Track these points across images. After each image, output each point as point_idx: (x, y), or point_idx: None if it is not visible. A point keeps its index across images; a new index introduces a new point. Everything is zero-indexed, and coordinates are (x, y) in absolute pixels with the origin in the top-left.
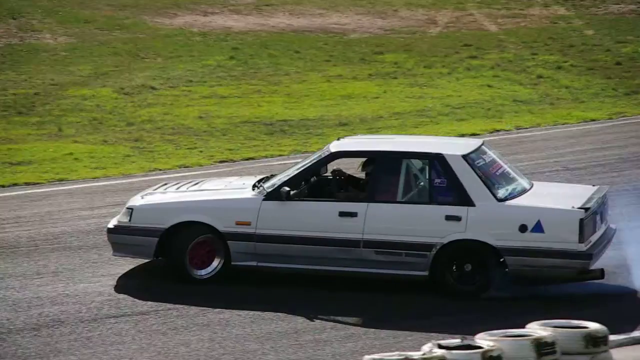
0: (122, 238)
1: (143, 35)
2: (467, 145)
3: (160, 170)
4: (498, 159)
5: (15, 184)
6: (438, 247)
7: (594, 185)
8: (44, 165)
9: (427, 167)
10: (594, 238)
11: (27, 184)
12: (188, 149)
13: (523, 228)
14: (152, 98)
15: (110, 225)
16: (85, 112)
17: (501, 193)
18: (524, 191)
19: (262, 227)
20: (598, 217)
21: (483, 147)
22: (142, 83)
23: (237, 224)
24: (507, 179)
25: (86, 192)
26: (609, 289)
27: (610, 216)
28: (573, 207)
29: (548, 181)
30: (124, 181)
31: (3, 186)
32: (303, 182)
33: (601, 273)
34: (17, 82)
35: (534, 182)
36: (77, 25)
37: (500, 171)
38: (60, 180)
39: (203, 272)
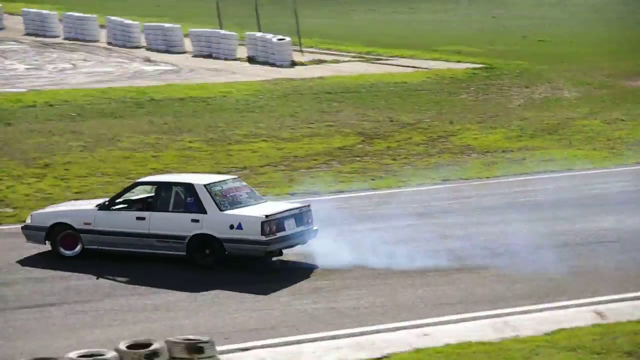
0: (27, 232)
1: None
2: (213, 178)
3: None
4: (236, 188)
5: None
6: (188, 237)
7: (298, 202)
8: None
9: (184, 191)
10: (279, 234)
11: None
12: None
13: (231, 227)
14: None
15: (22, 224)
16: (583, 133)
17: (223, 207)
18: (244, 206)
19: (96, 226)
20: (289, 222)
21: (229, 180)
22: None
23: (85, 224)
24: (234, 199)
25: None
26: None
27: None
28: (260, 215)
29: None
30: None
31: None
32: (117, 200)
33: (279, 252)
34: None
35: (267, 201)
36: (582, 84)
37: (231, 194)
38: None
39: (70, 252)
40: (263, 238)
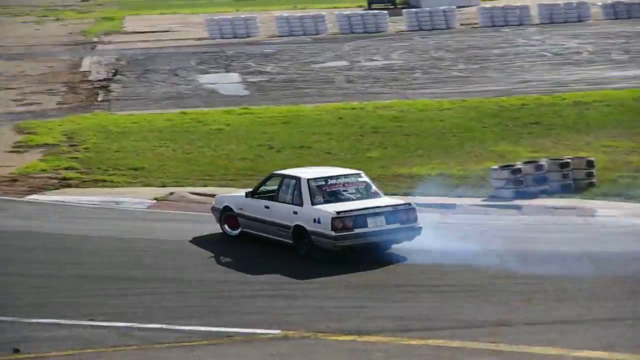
0: (213, 212)
1: None
2: (324, 172)
3: None
4: (347, 184)
5: None
6: (291, 228)
7: (401, 200)
8: None
9: (294, 184)
10: (357, 230)
11: None
12: None
13: (314, 220)
14: None
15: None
16: None
17: (316, 201)
18: (341, 201)
19: (245, 211)
20: (374, 219)
21: (342, 176)
22: None
23: (239, 209)
24: (336, 195)
25: None
26: None
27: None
28: (333, 211)
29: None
30: None
31: None
32: (259, 189)
33: (350, 249)
34: None
35: (379, 198)
36: None
37: (335, 189)
38: None
39: (234, 232)
40: (333, 233)
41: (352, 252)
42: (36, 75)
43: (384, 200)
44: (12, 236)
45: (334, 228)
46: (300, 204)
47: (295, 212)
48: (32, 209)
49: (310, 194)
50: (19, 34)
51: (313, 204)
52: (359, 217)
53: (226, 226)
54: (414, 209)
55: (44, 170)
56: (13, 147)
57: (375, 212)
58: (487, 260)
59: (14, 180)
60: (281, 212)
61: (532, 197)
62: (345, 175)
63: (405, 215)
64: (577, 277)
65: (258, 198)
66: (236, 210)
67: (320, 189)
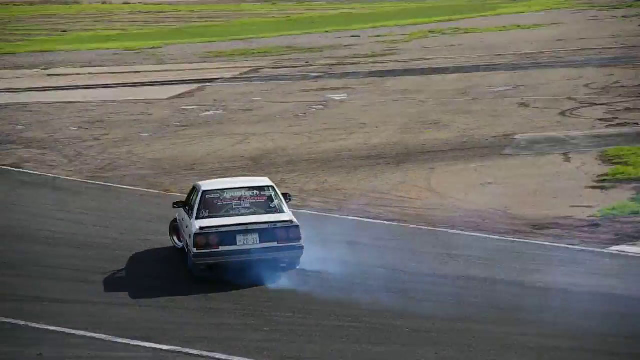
0: None
1: None
2: (223, 183)
3: None
4: (238, 197)
5: None
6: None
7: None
8: None
9: (194, 194)
10: (222, 248)
11: None
12: None
13: (190, 236)
14: None
15: None
16: None
17: (201, 215)
18: (225, 216)
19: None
20: (246, 236)
21: (233, 188)
22: None
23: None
24: (226, 208)
25: None
26: None
27: None
28: (198, 227)
29: None
30: None
31: None
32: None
33: (212, 267)
34: None
35: (279, 213)
36: None
37: (222, 202)
38: None
39: None
40: (194, 250)
41: (218, 272)
42: (635, 86)
43: (268, 217)
44: (586, 298)
45: (195, 244)
46: (190, 217)
47: (187, 226)
48: (616, 263)
49: (199, 206)
50: (613, 33)
51: (197, 217)
52: (227, 234)
53: (174, 238)
54: (296, 227)
55: (636, 213)
56: (596, 181)
57: (247, 229)
58: None
59: (596, 226)
60: (184, 224)
61: None
62: (249, 188)
63: (285, 234)
64: None
65: (181, 208)
66: (178, 221)
67: (212, 201)
